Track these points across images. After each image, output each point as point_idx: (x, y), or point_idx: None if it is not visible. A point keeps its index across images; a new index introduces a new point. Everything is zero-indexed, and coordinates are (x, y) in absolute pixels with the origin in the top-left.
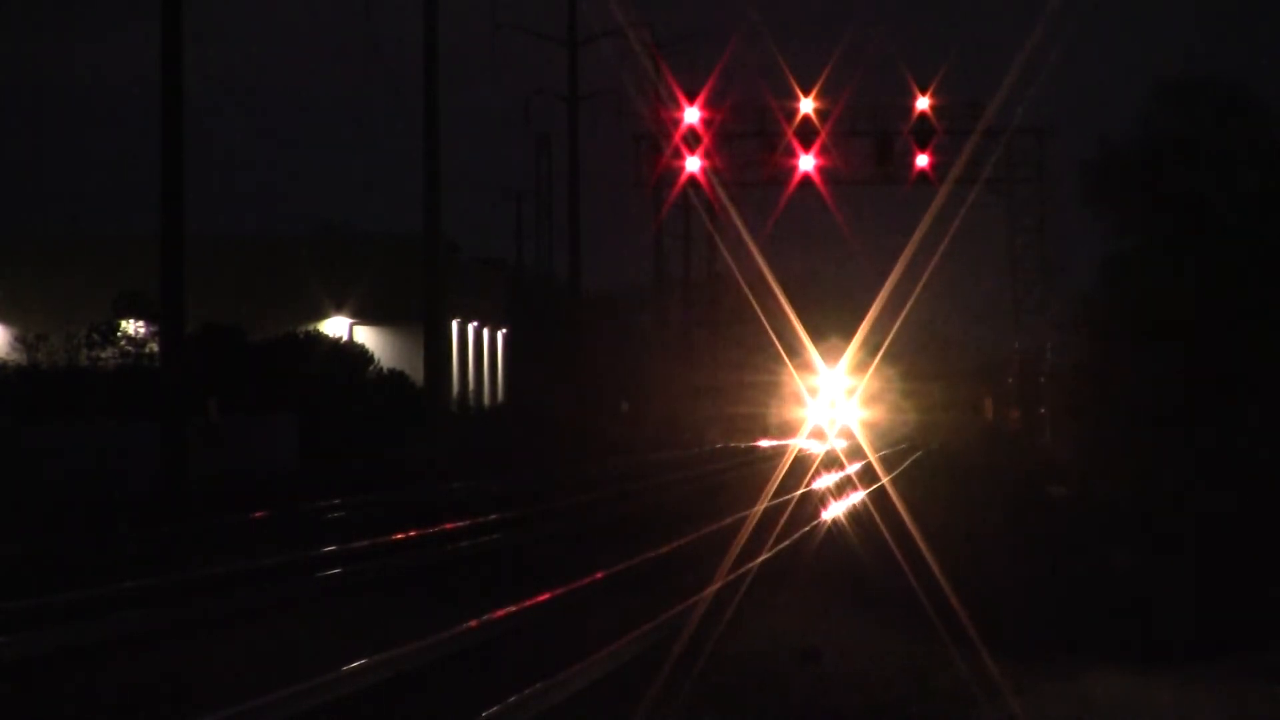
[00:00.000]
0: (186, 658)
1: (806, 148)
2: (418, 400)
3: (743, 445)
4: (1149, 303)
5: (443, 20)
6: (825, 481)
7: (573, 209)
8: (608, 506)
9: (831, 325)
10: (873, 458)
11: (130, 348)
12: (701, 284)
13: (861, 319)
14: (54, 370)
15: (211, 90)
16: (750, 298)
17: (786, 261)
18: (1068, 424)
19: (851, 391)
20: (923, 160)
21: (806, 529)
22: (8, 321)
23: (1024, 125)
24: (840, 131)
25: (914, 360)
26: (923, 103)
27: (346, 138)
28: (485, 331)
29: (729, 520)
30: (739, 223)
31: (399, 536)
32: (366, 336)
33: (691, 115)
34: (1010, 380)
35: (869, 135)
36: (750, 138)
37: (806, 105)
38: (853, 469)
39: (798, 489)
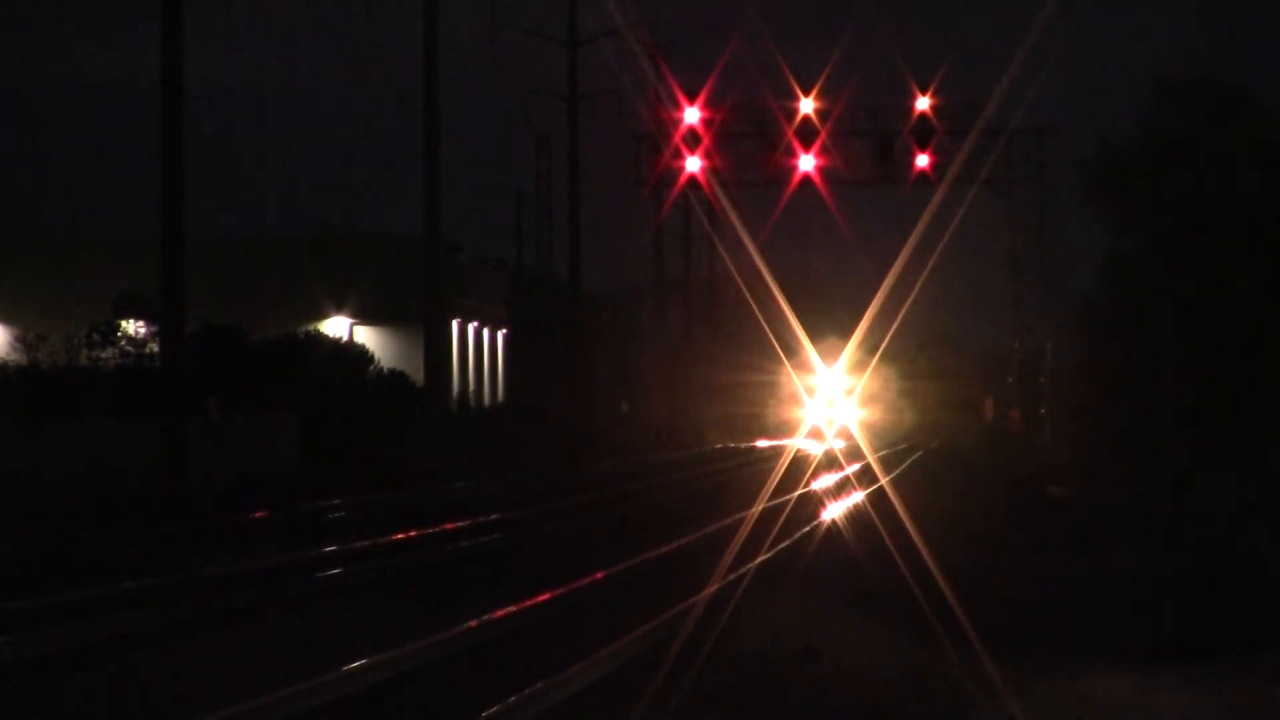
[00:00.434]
0: (187, 658)
1: (806, 148)
2: (418, 400)
3: (742, 445)
4: (1149, 303)
5: (443, 20)
6: (824, 482)
7: (573, 209)
8: (607, 506)
9: (831, 325)
10: (871, 458)
11: (130, 348)
12: (701, 284)
13: (861, 319)
14: (54, 370)
15: (211, 90)
16: (749, 298)
17: (786, 261)
18: (1068, 424)
19: (850, 391)
20: (923, 160)
21: (805, 529)
22: (8, 321)
23: (1024, 125)
24: (840, 131)
25: (913, 360)
26: (923, 103)
27: (346, 138)
28: (485, 331)
29: (728, 520)
30: (738, 223)
31: (399, 536)
32: (366, 336)
33: (691, 115)
34: (1010, 380)
35: (869, 135)
36: (750, 138)
37: (806, 105)
38: (851, 469)
39: (796, 489)
